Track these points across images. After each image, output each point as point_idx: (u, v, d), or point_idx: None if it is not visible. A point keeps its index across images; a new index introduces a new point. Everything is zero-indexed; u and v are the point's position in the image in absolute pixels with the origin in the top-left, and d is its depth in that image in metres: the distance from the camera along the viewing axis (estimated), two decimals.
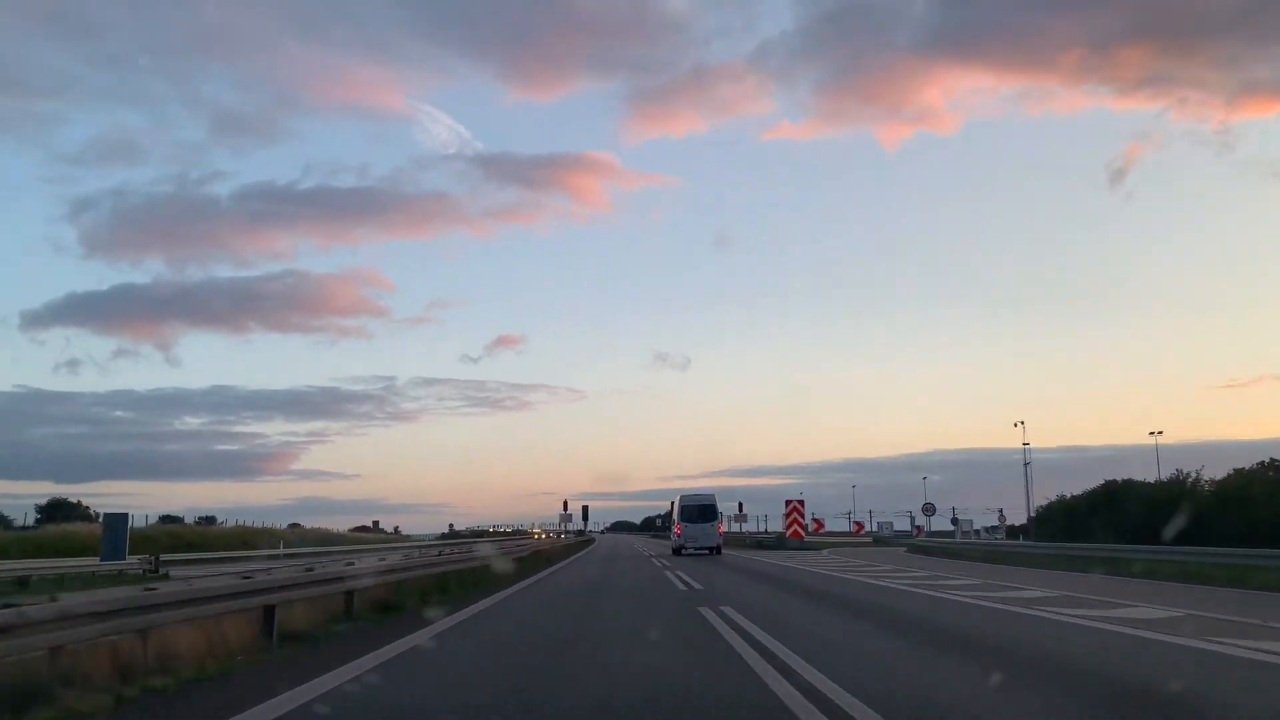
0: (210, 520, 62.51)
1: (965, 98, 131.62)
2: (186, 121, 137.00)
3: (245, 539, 52.02)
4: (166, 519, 57.16)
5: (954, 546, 40.55)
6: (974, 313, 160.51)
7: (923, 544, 47.19)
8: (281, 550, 45.54)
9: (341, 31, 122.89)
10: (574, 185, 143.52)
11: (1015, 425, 59.11)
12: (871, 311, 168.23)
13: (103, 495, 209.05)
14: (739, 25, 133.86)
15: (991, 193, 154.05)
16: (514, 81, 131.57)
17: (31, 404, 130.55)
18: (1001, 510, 60.95)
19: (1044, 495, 44.58)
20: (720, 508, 45.50)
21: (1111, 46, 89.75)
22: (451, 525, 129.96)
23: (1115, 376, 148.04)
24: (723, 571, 25.67)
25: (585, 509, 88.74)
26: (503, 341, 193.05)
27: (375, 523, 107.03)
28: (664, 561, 31.55)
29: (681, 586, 19.02)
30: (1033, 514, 44.23)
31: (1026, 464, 52.16)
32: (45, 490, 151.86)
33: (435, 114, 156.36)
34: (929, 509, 61.59)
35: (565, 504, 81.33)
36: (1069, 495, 38.05)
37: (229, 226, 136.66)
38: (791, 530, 53.23)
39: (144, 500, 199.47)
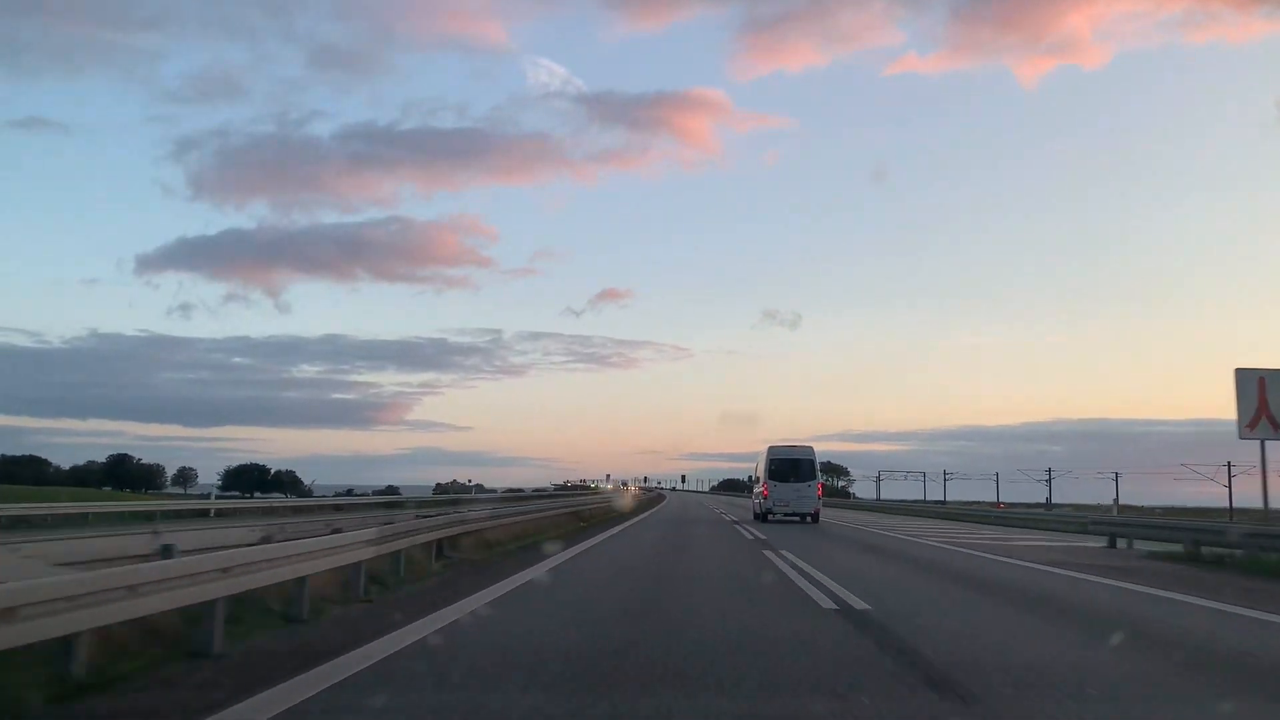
0: None
1: (1116, 25, 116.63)
2: (284, 56, 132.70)
3: None
4: None
5: None
6: (1119, 274, 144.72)
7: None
8: None
9: None
10: (681, 126, 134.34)
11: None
12: (998, 268, 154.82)
13: (228, 440, 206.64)
14: None
15: (1144, 136, 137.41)
16: (619, 8, 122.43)
17: (154, 348, 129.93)
18: None
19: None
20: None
21: None
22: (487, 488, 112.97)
23: None
24: (866, 562, 17.16)
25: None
26: (608, 295, 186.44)
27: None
28: (753, 531, 23.24)
29: (829, 604, 10.31)
30: None
31: None
32: (175, 433, 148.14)
33: (536, 47, 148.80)
34: None
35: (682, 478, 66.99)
36: None
37: (331, 169, 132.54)
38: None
39: (268, 446, 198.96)
